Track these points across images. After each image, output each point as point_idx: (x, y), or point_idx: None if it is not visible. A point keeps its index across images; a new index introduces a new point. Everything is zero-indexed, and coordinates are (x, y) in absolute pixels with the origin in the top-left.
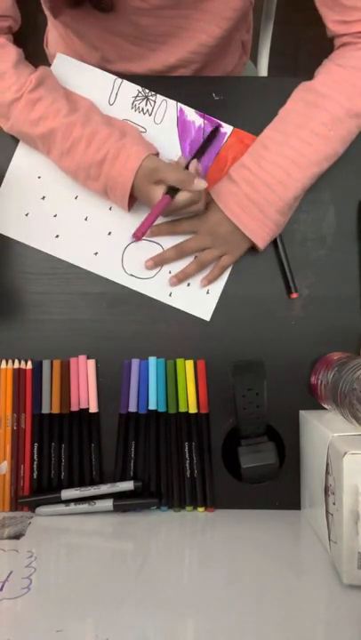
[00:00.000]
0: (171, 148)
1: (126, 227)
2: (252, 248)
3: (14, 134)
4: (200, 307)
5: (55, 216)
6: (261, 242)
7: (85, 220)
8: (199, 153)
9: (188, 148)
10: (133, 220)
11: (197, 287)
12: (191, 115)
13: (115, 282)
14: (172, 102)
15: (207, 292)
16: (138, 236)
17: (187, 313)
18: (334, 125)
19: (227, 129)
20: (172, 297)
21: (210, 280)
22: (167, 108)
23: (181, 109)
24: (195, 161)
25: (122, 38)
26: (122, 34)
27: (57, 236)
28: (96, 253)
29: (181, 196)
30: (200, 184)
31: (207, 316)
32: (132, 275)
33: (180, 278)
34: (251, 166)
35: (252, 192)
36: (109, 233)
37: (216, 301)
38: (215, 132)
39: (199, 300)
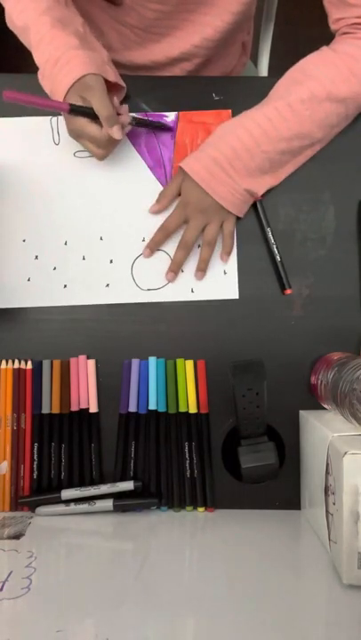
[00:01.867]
0: (131, 159)
1: (123, 249)
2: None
3: (9, 26)
4: (224, 289)
5: (55, 269)
6: (232, 206)
7: (83, 259)
8: (142, 124)
9: (146, 149)
10: (127, 241)
11: (214, 274)
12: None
13: (137, 302)
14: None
15: (225, 273)
16: (7, 94)
17: (186, 312)
18: (312, 105)
19: (172, 116)
20: (195, 292)
21: (228, 252)
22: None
23: (146, 114)
24: (125, 107)
25: (127, 28)
26: (127, 23)
27: (65, 286)
28: (107, 285)
29: (89, 127)
30: (116, 132)
31: (235, 295)
32: (148, 289)
33: (203, 268)
34: (221, 134)
35: (219, 155)
36: (111, 261)
37: (237, 278)
38: (163, 127)
39: (220, 284)
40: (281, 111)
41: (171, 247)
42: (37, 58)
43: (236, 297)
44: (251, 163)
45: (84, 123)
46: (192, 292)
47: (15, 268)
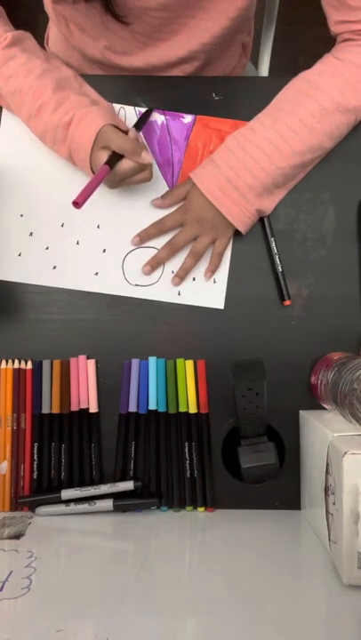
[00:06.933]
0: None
1: (118, 240)
2: (238, 232)
3: None
4: (211, 298)
5: (47, 248)
6: (243, 226)
7: (77, 244)
8: (137, 126)
9: (157, 147)
10: (123, 233)
11: (203, 280)
12: (152, 115)
13: (123, 295)
14: (130, 108)
15: (214, 282)
16: (78, 203)
17: (186, 312)
18: (323, 118)
19: (189, 118)
20: (182, 295)
21: (212, 270)
22: (126, 114)
23: (140, 112)
24: (133, 129)
25: (126, 32)
26: (125, 28)
27: (54, 268)
28: (97, 273)
29: (123, 164)
30: (147, 157)
31: (220, 305)
32: (136, 284)
33: (182, 275)
34: (234, 150)
35: (234, 176)
36: (104, 250)
37: (225, 288)
38: (148, 112)
39: (208, 291)
40: (293, 127)
41: (159, 243)
42: (40, 123)
43: (222, 307)
44: (267, 180)
45: (118, 170)
46: (179, 294)
47: (7, 242)
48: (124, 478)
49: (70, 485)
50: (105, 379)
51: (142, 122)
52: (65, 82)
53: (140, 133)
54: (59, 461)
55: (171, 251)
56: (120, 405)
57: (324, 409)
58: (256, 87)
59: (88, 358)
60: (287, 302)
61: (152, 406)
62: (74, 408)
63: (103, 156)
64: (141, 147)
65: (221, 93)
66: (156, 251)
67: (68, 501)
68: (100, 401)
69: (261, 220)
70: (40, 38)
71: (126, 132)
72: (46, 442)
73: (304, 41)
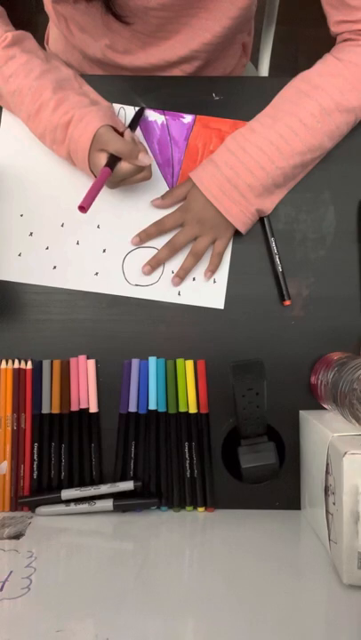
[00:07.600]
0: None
1: (118, 240)
2: (238, 232)
3: None
4: (211, 298)
5: (47, 248)
6: (242, 226)
7: (77, 244)
8: (131, 126)
9: (157, 147)
10: (123, 233)
11: (203, 280)
12: (152, 115)
13: (123, 295)
14: (130, 108)
15: (214, 282)
16: (85, 207)
17: (186, 312)
18: (322, 118)
19: (189, 118)
20: (182, 295)
21: (212, 270)
22: (126, 114)
23: None
24: (128, 130)
25: (127, 31)
26: (126, 28)
27: (54, 267)
28: (97, 273)
29: (122, 166)
30: (145, 159)
31: (220, 305)
32: (136, 284)
33: (181, 275)
34: (234, 150)
35: (234, 176)
36: (104, 250)
37: (225, 288)
38: (140, 111)
39: (208, 291)
40: (293, 127)
41: (159, 243)
42: (39, 123)
43: (222, 307)
44: (267, 180)
45: (118, 171)
46: (179, 294)
47: (7, 242)
48: (124, 478)
49: (70, 485)
50: (105, 379)
51: (136, 121)
52: (65, 82)
53: (138, 131)
54: (59, 461)
55: (171, 251)
56: (120, 405)
57: (324, 409)
58: (256, 87)
59: (88, 358)
60: (287, 302)
61: (152, 406)
62: (74, 408)
63: (101, 158)
64: (139, 148)
65: (221, 93)
66: (156, 251)
67: (68, 501)
68: (100, 401)
69: (261, 219)
70: (40, 38)
71: (122, 134)
72: (46, 442)
73: (304, 41)
